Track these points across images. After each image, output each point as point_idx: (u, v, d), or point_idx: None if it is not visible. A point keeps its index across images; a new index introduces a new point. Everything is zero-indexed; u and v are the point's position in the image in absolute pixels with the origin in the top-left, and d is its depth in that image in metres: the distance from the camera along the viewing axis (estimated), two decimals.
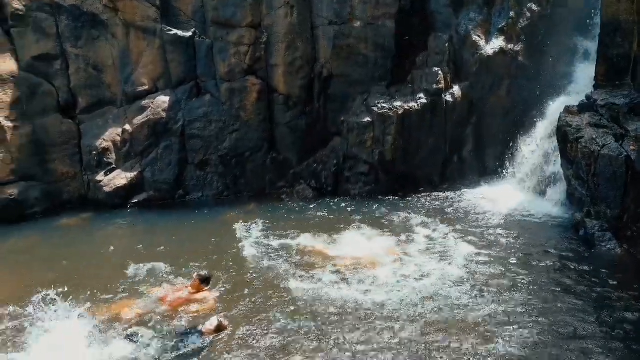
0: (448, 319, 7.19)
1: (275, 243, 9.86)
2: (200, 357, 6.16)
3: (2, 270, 9.31)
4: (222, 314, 7.12)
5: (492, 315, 7.25)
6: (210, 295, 7.74)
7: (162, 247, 9.91)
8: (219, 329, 6.68)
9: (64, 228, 11.44)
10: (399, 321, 7.05)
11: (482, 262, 8.92)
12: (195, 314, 7.21)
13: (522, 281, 8.20)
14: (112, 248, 10.11)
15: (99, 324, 6.83)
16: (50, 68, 12.53)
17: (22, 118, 12.11)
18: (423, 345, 6.57)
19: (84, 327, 6.58)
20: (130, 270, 8.80)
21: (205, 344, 6.38)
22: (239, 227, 10.68)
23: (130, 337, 6.56)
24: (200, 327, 6.73)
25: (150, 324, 6.92)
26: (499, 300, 7.63)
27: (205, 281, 7.92)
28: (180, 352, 6.26)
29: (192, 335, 6.58)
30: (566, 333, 6.83)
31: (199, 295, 7.71)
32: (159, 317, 7.10)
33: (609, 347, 6.53)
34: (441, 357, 6.38)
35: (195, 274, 7.97)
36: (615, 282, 8.06)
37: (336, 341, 6.58)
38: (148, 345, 6.40)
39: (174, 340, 6.48)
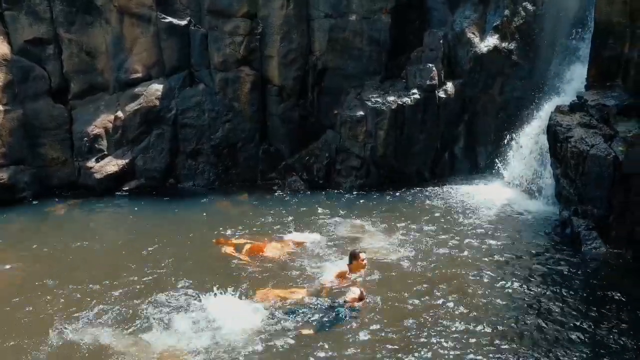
0: (424, 316, 7.28)
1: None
2: (345, 321, 7.26)
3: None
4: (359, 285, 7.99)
5: (469, 314, 7.29)
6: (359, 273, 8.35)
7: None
8: (360, 298, 7.62)
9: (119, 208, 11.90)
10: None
11: (466, 257, 8.98)
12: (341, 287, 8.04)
13: (504, 279, 8.20)
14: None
15: (269, 303, 7.76)
16: (43, 52, 12.48)
17: (13, 102, 12.08)
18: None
19: (250, 304, 7.65)
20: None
21: (348, 312, 7.41)
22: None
23: (292, 310, 7.58)
24: (344, 298, 7.63)
25: (308, 301, 7.81)
26: (478, 300, 7.66)
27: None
28: (329, 318, 7.34)
29: (338, 304, 7.57)
30: (545, 332, 6.89)
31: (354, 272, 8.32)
32: (314, 295, 7.96)
33: (586, 344, 6.63)
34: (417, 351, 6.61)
35: (360, 253, 8.38)
36: (597, 282, 8.15)
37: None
38: (305, 315, 7.43)
39: (324, 308, 7.54)
